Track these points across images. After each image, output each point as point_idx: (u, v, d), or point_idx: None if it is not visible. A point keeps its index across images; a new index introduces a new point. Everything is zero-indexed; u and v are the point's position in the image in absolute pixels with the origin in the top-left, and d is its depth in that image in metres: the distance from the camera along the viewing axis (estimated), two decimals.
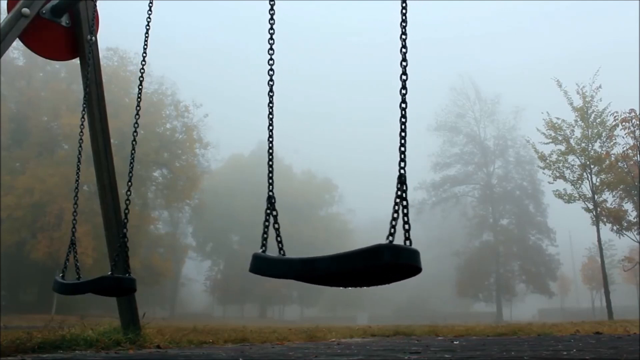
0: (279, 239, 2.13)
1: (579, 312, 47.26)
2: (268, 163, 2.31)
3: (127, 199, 3.46)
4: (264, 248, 2.07)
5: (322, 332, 7.31)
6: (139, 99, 3.69)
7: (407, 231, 1.74)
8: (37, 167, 30.61)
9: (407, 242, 1.72)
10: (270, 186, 2.22)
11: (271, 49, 2.46)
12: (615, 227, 21.32)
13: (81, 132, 3.97)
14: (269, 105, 2.41)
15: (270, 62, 2.45)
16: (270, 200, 2.19)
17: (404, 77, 1.92)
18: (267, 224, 2.15)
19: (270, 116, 2.41)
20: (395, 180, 1.78)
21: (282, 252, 2.09)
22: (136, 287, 3.45)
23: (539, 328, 8.02)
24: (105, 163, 4.61)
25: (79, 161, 3.96)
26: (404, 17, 1.98)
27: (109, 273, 3.64)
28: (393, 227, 1.71)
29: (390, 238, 1.69)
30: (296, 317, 55.53)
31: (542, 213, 47.00)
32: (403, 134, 1.87)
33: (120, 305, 4.68)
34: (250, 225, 53.50)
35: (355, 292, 46.12)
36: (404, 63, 1.94)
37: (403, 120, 1.89)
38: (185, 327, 7.71)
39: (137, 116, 3.65)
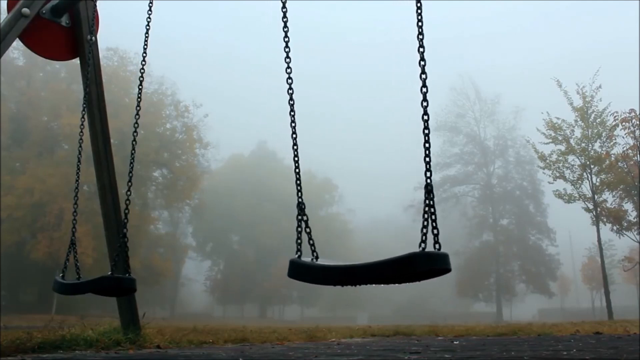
0: (311, 242, 2.19)
1: (579, 312, 47.26)
2: (295, 171, 2.38)
3: (127, 199, 3.46)
4: (299, 253, 2.16)
5: (322, 332, 7.31)
6: (139, 99, 3.69)
7: (436, 236, 1.84)
8: (37, 167, 30.61)
9: (437, 246, 1.83)
10: (299, 192, 2.29)
11: (287, 57, 2.47)
12: (615, 227, 21.32)
13: (81, 132, 3.97)
14: (290, 114, 2.43)
15: (288, 70, 2.45)
16: (301, 207, 2.24)
17: (424, 89, 1.97)
18: (299, 229, 2.21)
19: (293, 124, 2.42)
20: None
21: (314, 254, 2.15)
22: (136, 287, 3.45)
23: (539, 328, 8.01)
24: (105, 163, 4.61)
25: (79, 161, 3.96)
26: (419, 17, 2.01)
27: (109, 273, 3.64)
28: (424, 234, 1.82)
29: (423, 245, 1.80)
30: (296, 317, 55.52)
31: (542, 213, 47.02)
32: (427, 144, 1.95)
33: (120, 305, 4.68)
34: (250, 225, 53.59)
35: (355, 292, 46.11)
36: (423, 76, 1.99)
37: (426, 132, 1.95)
38: (185, 327, 7.71)
39: (137, 116, 3.65)
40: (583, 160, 21.28)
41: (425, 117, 1.94)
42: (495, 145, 49.84)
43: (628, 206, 21.42)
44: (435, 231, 1.84)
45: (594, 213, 20.83)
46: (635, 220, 21.11)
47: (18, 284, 33.60)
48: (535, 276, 45.35)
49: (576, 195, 21.31)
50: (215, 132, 44.94)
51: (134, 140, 3.63)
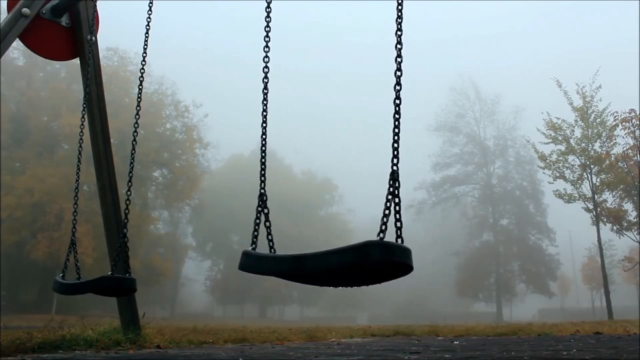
0: (269, 237, 2.11)
1: (579, 312, 47.25)
2: (260, 160, 2.31)
3: (127, 199, 3.47)
4: (254, 246, 2.05)
5: (322, 332, 7.31)
6: (139, 99, 3.69)
7: (398, 229, 1.72)
8: (37, 167, 30.60)
9: (399, 240, 1.69)
10: (262, 183, 2.21)
11: (267, 46, 2.44)
12: (615, 227, 21.32)
13: (81, 132, 3.97)
14: (262, 102, 2.41)
15: (266, 59, 2.43)
16: (262, 198, 2.18)
17: (398, 72, 1.91)
18: (257, 221, 2.14)
19: (264, 113, 2.41)
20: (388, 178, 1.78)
21: (272, 250, 2.08)
22: (136, 287, 3.45)
23: (539, 328, 8.01)
24: (105, 163, 4.61)
25: (79, 161, 3.96)
26: (399, 14, 1.98)
27: (109, 273, 3.64)
28: (384, 224, 1.69)
29: (381, 235, 1.67)
30: (296, 317, 55.52)
31: (542, 213, 47.01)
32: (397, 130, 1.85)
33: (120, 305, 4.68)
34: (250, 225, 53.32)
35: (355, 292, 46.11)
36: (398, 59, 1.93)
37: (397, 116, 1.87)
38: (185, 327, 7.71)
39: (137, 116, 3.66)
40: (583, 160, 21.28)
41: (398, 102, 1.88)
42: (495, 145, 49.87)
43: (628, 206, 21.43)
44: (398, 223, 1.72)
45: (594, 213, 20.83)
46: (635, 220, 21.11)
47: (18, 284, 33.58)
48: (535, 276, 45.35)
49: (576, 195, 21.32)
50: (215, 132, 44.99)
51: (134, 140, 3.63)
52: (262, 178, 2.24)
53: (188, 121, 39.15)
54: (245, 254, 2.00)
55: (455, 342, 5.15)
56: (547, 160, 21.93)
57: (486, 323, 15.06)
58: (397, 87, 1.89)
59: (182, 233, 52.42)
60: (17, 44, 4.34)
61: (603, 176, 21.25)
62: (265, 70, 2.42)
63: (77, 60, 4.75)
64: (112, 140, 4.77)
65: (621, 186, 21.04)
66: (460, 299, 50.91)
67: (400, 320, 25.95)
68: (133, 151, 3.62)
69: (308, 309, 59.67)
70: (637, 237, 21.05)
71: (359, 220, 62.91)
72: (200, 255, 56.52)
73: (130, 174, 3.50)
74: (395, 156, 1.81)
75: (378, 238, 1.65)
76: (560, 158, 21.67)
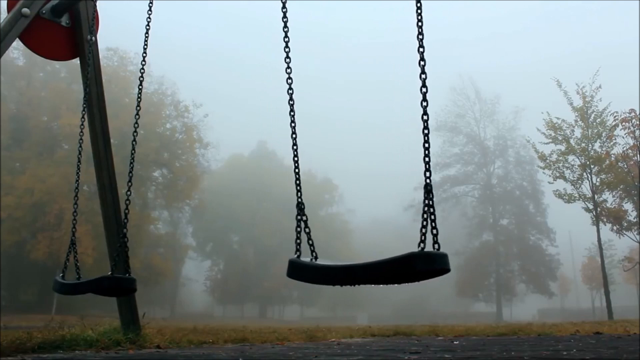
0: (310, 242, 2.19)
1: (579, 312, 47.26)
2: (294, 171, 2.38)
3: (127, 199, 3.47)
4: (298, 253, 2.16)
5: (322, 332, 7.30)
6: (139, 99, 3.69)
7: (435, 236, 1.84)
8: (37, 167, 30.61)
9: (436, 246, 1.82)
10: (299, 192, 2.29)
11: (287, 56, 2.46)
12: (615, 227, 21.32)
13: (81, 132, 3.97)
14: (290, 114, 2.43)
15: (288, 70, 2.45)
16: (300, 207, 2.24)
17: (423, 89, 1.97)
18: (298, 229, 2.21)
19: (293, 124, 2.42)
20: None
21: (314, 254, 2.15)
22: (136, 287, 3.45)
23: (539, 328, 8.01)
24: (105, 163, 4.61)
25: (79, 161, 3.96)
26: (419, 17, 2.01)
27: (109, 273, 3.64)
28: (424, 234, 1.81)
29: (422, 245, 1.79)
30: (296, 317, 55.52)
31: (542, 213, 47.00)
32: (427, 145, 1.94)
33: (120, 305, 4.68)
34: (250, 225, 53.57)
35: (355, 292, 46.10)
36: (423, 76, 1.99)
37: (426, 132, 1.95)
38: (185, 327, 7.71)
39: (137, 116, 3.66)
40: (583, 160, 21.27)
41: (425, 117, 1.94)
42: (495, 145, 49.85)
43: (628, 206, 21.42)
44: (434, 231, 1.83)
45: (594, 213, 20.83)
46: (635, 220, 21.10)
47: (18, 284, 33.59)
48: (535, 276, 45.34)
49: (576, 195, 21.31)
50: (215, 132, 44.95)
51: (134, 140, 3.63)
52: (298, 187, 2.33)
53: (188, 121, 39.18)
54: (293, 263, 2.11)
55: (455, 342, 5.15)
56: (547, 160, 21.93)
57: (486, 323, 15.06)
58: (424, 104, 1.97)
59: (182, 233, 52.42)
60: (17, 44, 4.35)
61: (603, 176, 21.24)
62: (289, 81, 2.44)
63: (77, 60, 4.75)
64: (112, 140, 4.77)
65: (621, 186, 21.04)
66: (460, 299, 50.89)
67: (400, 320, 25.96)
68: (133, 151, 3.62)
69: (308, 309, 59.67)
70: (637, 237, 21.06)
71: (359, 221, 63.02)
72: (200, 255, 56.51)
73: (130, 174, 3.50)
74: (428, 169, 1.92)
75: (419, 249, 1.78)
76: (560, 158, 21.67)
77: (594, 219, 20.92)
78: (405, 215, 48.88)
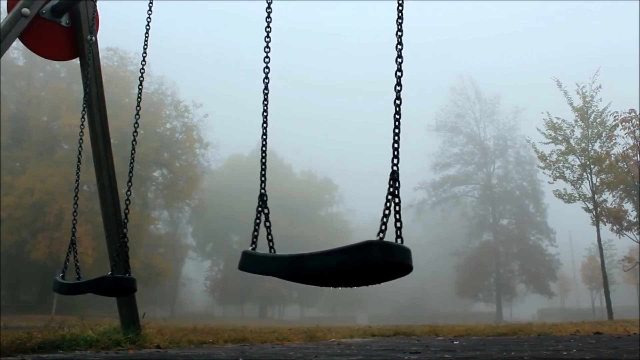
0: (269, 237, 2.12)
1: (579, 312, 47.24)
2: (261, 160, 2.32)
3: (127, 199, 3.47)
4: (254, 246, 2.06)
5: (322, 332, 7.31)
6: (139, 99, 3.70)
7: (398, 229, 1.72)
8: (37, 167, 30.61)
9: (399, 240, 1.69)
10: (263, 184, 2.22)
11: (267, 46, 2.45)
12: (615, 227, 21.32)
13: (81, 132, 3.97)
14: (263, 103, 2.41)
15: (266, 59, 2.43)
16: (262, 198, 2.19)
17: (398, 73, 1.91)
18: (258, 221, 2.14)
19: (265, 114, 2.41)
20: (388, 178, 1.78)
21: (272, 250, 2.08)
22: (136, 287, 3.45)
23: (539, 328, 8.01)
24: (105, 163, 4.61)
25: (79, 161, 3.96)
26: (400, 14, 1.99)
27: (109, 273, 3.64)
28: (384, 223, 1.70)
29: (381, 235, 1.67)
30: (296, 317, 55.51)
31: (542, 213, 47.00)
32: (397, 130, 1.86)
33: (120, 305, 4.68)
34: (250, 225, 53.32)
35: (355, 292, 46.09)
36: (399, 60, 1.93)
37: (397, 117, 1.88)
38: (185, 327, 7.71)
39: (137, 116, 3.66)
40: (583, 160, 21.27)
41: (398, 102, 1.88)
42: (495, 145, 49.85)
43: (628, 206, 21.42)
44: (398, 224, 1.72)
45: (594, 213, 20.82)
46: (635, 220, 21.10)
47: (18, 284, 33.59)
48: (535, 276, 45.34)
49: (576, 195, 21.31)
50: (215, 132, 44.96)
51: (134, 140, 3.63)
52: (263, 178, 2.25)
53: (188, 121, 39.19)
54: (245, 254, 2.01)
55: (455, 342, 5.15)
56: (547, 160, 21.93)
57: (486, 323, 15.06)
58: (398, 88, 1.90)
59: (182, 233, 52.44)
60: (17, 44, 4.35)
61: (603, 176, 21.24)
62: (266, 70, 2.43)
63: (77, 60, 4.75)
64: (112, 140, 4.77)
65: (621, 186, 21.03)
66: (460, 299, 50.90)
67: (400, 320, 25.96)
68: (133, 151, 3.62)
69: (308, 309, 59.66)
70: (637, 237, 21.06)
71: (359, 220, 62.92)
72: (200, 255, 56.53)
73: (130, 174, 3.50)
74: (396, 156, 1.81)
75: (378, 238, 1.65)
76: (560, 158, 21.67)
77: (594, 219, 20.92)
78: (405, 215, 48.76)
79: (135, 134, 3.60)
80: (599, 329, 7.73)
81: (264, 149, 2.37)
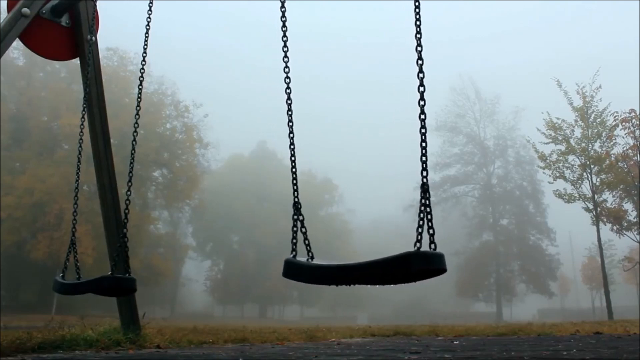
0: (306, 242, 2.18)
1: (579, 312, 47.24)
2: (291, 170, 2.35)
3: (127, 199, 3.46)
4: (294, 253, 2.16)
5: (322, 332, 7.30)
6: (139, 99, 3.69)
7: (431, 235, 1.83)
8: (37, 167, 30.61)
9: (432, 246, 1.80)
10: (295, 192, 2.28)
11: (286, 56, 2.47)
12: (615, 227, 21.32)
13: (81, 132, 3.97)
14: (287, 113, 2.44)
15: (286, 69, 2.45)
16: (296, 206, 2.25)
17: (421, 88, 1.96)
18: (295, 229, 2.21)
19: (290, 123, 2.43)
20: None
21: (310, 254, 2.14)
22: (136, 287, 3.45)
23: (539, 328, 8.01)
24: (105, 163, 4.60)
25: (79, 161, 3.96)
26: (417, 17, 2.00)
27: (109, 273, 3.64)
28: (420, 234, 1.80)
29: (418, 245, 1.78)
30: (296, 317, 55.51)
31: (542, 213, 47.01)
32: (424, 144, 1.92)
33: (120, 305, 4.68)
34: (250, 225, 53.56)
35: (356, 292, 46.11)
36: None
37: (423, 131, 1.93)
38: (185, 327, 7.71)
39: (137, 116, 3.65)
40: (583, 160, 21.28)
41: (422, 117, 1.93)
42: (495, 145, 49.85)
43: (628, 206, 21.42)
44: (430, 231, 1.83)
45: (594, 213, 20.83)
46: (635, 220, 21.10)
47: (18, 284, 33.59)
48: (535, 276, 45.34)
49: (576, 195, 21.31)
50: (215, 132, 44.98)
51: (134, 140, 3.62)
52: (295, 187, 2.31)
53: (188, 121, 39.19)
54: (289, 263, 2.10)
55: (455, 342, 5.15)
56: (547, 160, 21.93)
57: (486, 323, 15.06)
58: (422, 103, 1.94)
59: (182, 233, 52.44)
60: (17, 44, 4.34)
61: (603, 176, 21.24)
62: (287, 81, 2.44)
63: (77, 60, 4.75)
64: (112, 140, 4.76)
65: (621, 186, 21.03)
66: (460, 299, 50.90)
67: (400, 320, 25.97)
68: (133, 151, 3.61)
69: (308, 309, 59.65)
70: (637, 237, 21.06)
71: (359, 221, 63.00)
72: (200, 255, 56.52)
73: (130, 174, 3.50)
74: (424, 169, 1.89)
75: (415, 248, 1.76)
76: (560, 158, 21.67)
77: (594, 219, 20.92)
78: (405, 216, 48.88)
79: (135, 134, 3.60)
80: (599, 329, 7.73)
81: (293, 159, 2.39)
